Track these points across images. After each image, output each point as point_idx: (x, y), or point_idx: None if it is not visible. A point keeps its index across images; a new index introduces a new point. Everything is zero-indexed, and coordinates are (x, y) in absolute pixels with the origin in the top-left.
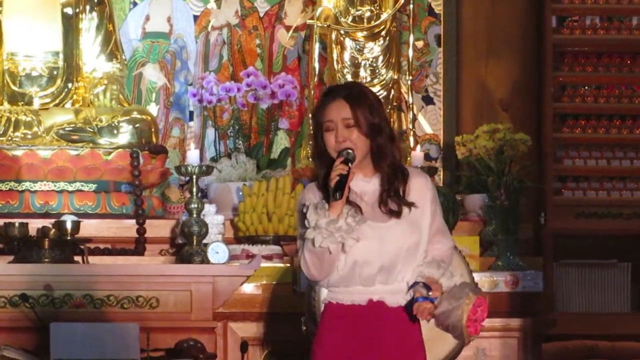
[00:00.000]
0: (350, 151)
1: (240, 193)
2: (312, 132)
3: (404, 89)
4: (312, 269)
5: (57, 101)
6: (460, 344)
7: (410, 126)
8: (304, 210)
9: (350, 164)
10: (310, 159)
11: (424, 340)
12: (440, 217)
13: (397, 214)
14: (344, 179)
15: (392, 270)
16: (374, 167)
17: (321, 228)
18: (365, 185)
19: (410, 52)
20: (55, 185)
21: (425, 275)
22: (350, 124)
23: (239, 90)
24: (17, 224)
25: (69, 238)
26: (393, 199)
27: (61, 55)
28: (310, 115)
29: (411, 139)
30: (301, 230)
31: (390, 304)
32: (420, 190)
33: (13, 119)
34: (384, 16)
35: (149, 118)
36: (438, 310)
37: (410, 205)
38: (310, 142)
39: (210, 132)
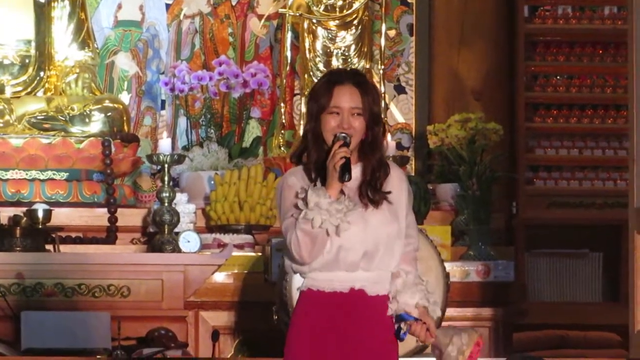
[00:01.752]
0: (345, 135)
1: (212, 182)
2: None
3: (376, 78)
4: (303, 251)
5: (29, 89)
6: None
7: (382, 115)
8: (299, 192)
9: (347, 147)
10: (281, 148)
11: None
12: (411, 210)
13: (376, 204)
14: (349, 161)
15: (374, 256)
16: (359, 155)
17: (322, 209)
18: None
19: (382, 41)
20: (26, 174)
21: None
22: (359, 112)
23: (211, 79)
24: None
25: (40, 227)
26: (373, 190)
27: (33, 44)
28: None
29: None
30: (291, 211)
31: (371, 293)
32: (399, 182)
33: None
34: (356, 5)
35: (121, 107)
36: None
37: (388, 194)
38: (282, 132)
39: (182, 121)
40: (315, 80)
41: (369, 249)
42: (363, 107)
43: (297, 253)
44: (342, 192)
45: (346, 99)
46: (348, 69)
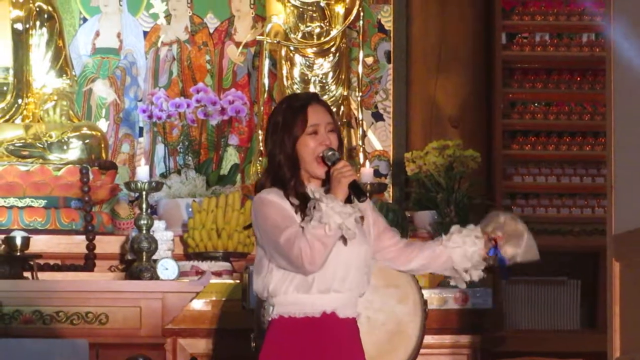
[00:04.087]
0: (334, 151)
1: (190, 209)
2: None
3: (353, 105)
4: (317, 257)
5: (7, 117)
6: (412, 356)
7: (360, 142)
8: (311, 203)
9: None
10: (259, 175)
11: (374, 356)
12: (385, 221)
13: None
14: (357, 182)
15: (346, 277)
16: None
17: (336, 212)
18: (316, 194)
19: (360, 69)
20: (4, 201)
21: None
22: (333, 128)
23: (188, 106)
24: None
25: (18, 254)
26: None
27: (11, 71)
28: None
29: (361, 155)
30: (286, 222)
31: (342, 315)
32: (366, 204)
33: None
34: (333, 32)
35: (99, 134)
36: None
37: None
38: (260, 159)
39: (160, 148)
40: None
41: (341, 269)
42: (334, 123)
43: (309, 260)
44: None
45: (321, 115)
46: (302, 93)
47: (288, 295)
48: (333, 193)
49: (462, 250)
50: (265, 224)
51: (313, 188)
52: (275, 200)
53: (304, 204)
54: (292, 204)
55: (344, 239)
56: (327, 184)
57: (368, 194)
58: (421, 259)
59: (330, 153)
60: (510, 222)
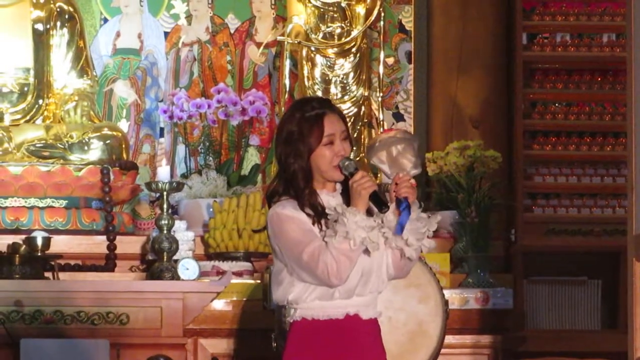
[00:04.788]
0: (351, 160)
1: (211, 209)
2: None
3: (374, 106)
4: (343, 272)
5: (27, 117)
6: (433, 356)
7: None
8: (333, 216)
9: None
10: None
11: (396, 355)
12: None
13: None
14: (377, 193)
15: (368, 280)
16: (342, 181)
17: (360, 226)
18: (331, 200)
19: (381, 69)
20: (25, 202)
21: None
22: (346, 136)
23: (209, 106)
24: None
25: (39, 254)
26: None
27: (32, 72)
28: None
29: None
30: (308, 237)
31: (365, 316)
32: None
33: None
34: (354, 33)
35: (120, 134)
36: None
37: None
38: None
39: (181, 149)
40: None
41: (365, 273)
42: (347, 130)
43: (336, 275)
44: (325, 216)
45: (336, 125)
46: (313, 98)
47: (309, 303)
48: (354, 205)
49: (397, 239)
50: (286, 240)
51: (325, 197)
52: (292, 214)
53: (319, 215)
54: (307, 214)
55: (367, 250)
56: (343, 191)
57: (386, 209)
58: (391, 267)
59: (347, 163)
60: (393, 161)
